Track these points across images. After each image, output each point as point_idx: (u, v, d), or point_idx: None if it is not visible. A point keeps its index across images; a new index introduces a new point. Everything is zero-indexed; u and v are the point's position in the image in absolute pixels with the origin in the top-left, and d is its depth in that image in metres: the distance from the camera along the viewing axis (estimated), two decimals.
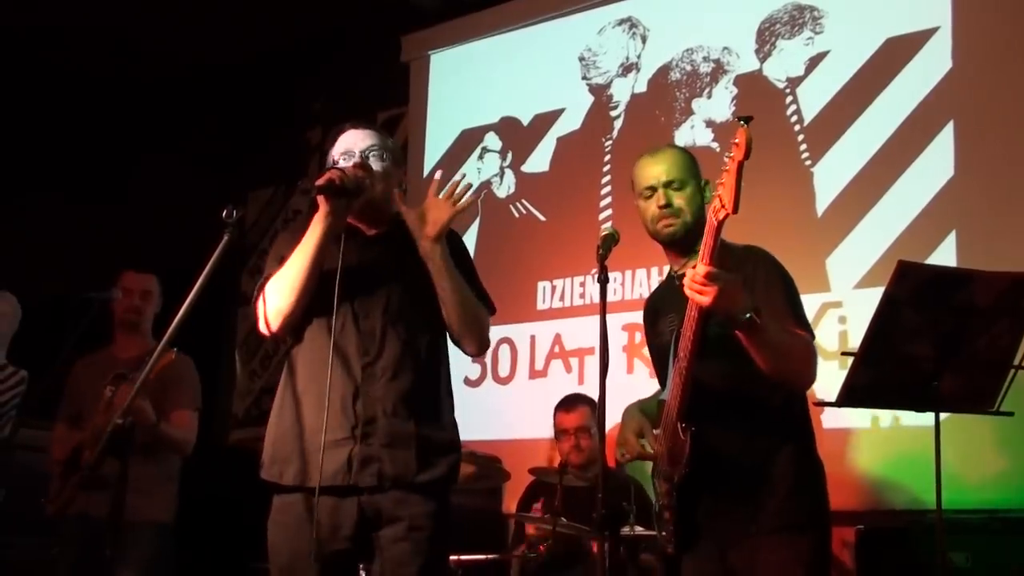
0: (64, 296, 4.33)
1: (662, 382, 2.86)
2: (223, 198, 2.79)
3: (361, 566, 2.75)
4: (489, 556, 4.04)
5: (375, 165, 2.74)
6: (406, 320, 2.69)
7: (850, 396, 2.51)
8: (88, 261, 5.20)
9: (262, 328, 2.71)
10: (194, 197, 5.96)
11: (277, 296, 2.68)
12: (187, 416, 4.03)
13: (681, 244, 2.76)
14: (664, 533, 2.77)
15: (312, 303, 2.67)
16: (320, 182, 2.60)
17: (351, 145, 2.78)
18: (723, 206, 2.33)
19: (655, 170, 2.77)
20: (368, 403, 2.62)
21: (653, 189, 2.76)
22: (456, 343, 2.79)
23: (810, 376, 2.56)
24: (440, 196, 2.68)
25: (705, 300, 2.41)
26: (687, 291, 2.44)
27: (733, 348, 2.52)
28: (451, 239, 2.86)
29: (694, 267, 2.45)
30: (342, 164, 2.74)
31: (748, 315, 2.44)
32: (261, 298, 2.71)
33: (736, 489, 2.62)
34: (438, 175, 2.75)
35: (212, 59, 6.22)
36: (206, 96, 6.48)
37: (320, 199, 2.61)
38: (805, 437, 2.69)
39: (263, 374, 6.17)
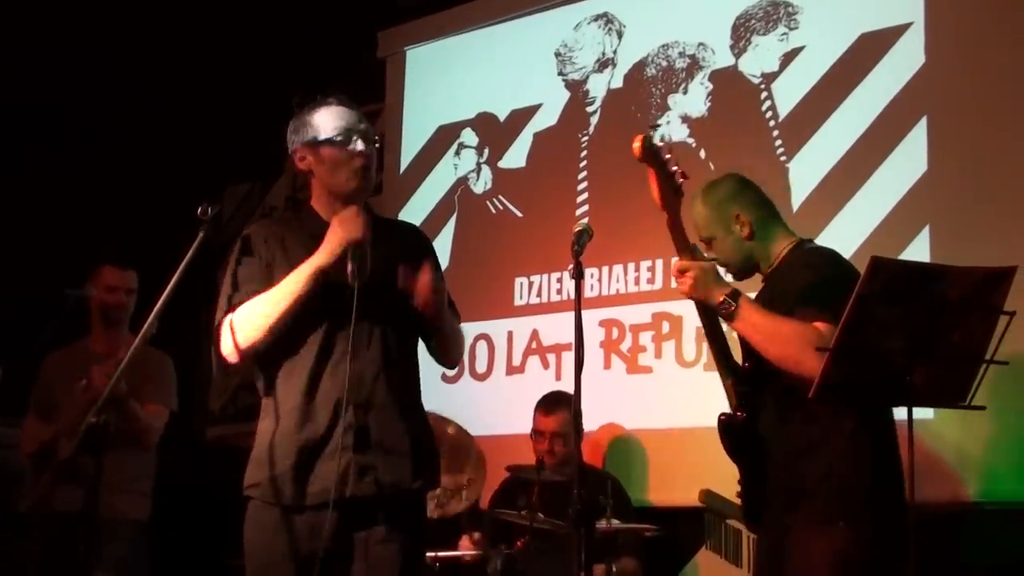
0: (38, 293, 4.32)
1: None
2: (199, 192, 2.77)
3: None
4: (466, 552, 4.05)
5: (368, 149, 2.69)
6: (390, 323, 2.66)
7: (823, 392, 2.52)
8: (62, 256, 5.16)
9: (227, 357, 2.64)
10: (170, 191, 5.94)
11: (254, 332, 2.59)
12: (157, 410, 4.03)
13: (746, 273, 2.95)
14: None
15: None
16: (352, 248, 2.56)
17: (349, 126, 2.68)
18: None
19: (697, 228, 2.94)
20: (357, 411, 2.58)
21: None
22: (438, 362, 2.84)
23: (812, 365, 2.54)
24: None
25: (683, 289, 2.64)
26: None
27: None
28: (424, 243, 2.88)
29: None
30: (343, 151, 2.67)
31: (721, 299, 2.63)
32: (228, 328, 2.62)
33: (777, 479, 2.74)
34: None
35: (190, 52, 6.18)
36: (183, 89, 6.45)
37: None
38: (856, 429, 2.71)
39: (240, 370, 6.15)
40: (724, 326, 2.81)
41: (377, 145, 2.76)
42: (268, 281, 2.65)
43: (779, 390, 2.73)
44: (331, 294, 2.59)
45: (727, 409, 2.83)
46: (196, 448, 5.99)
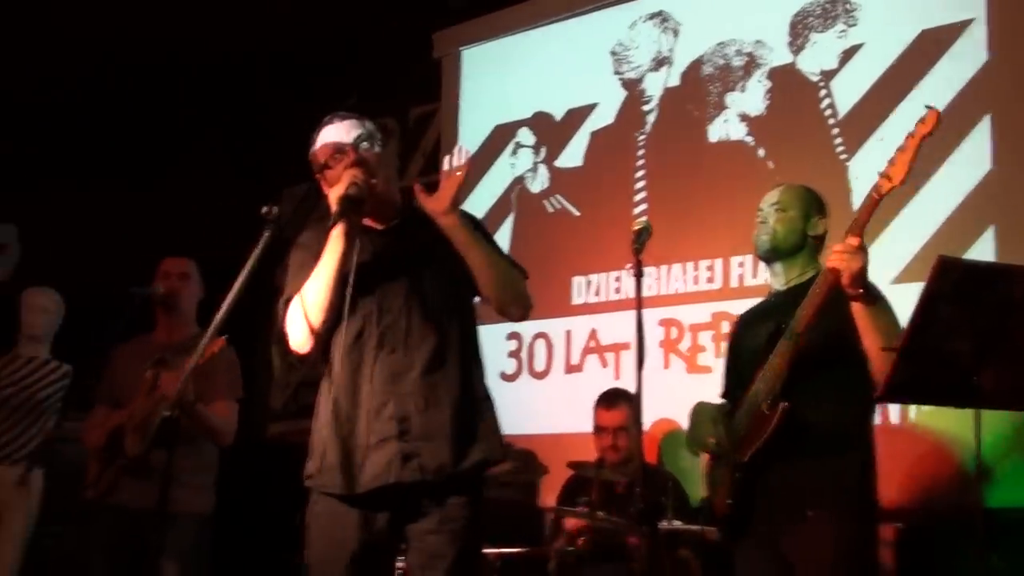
0: (105, 291, 4.40)
1: (734, 390, 3.02)
2: (259, 194, 2.83)
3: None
4: (526, 549, 4.07)
5: (368, 155, 2.72)
6: (430, 310, 2.69)
7: (891, 391, 2.53)
8: (129, 255, 5.25)
9: (295, 349, 2.71)
10: (231, 193, 6.03)
11: (305, 317, 2.66)
12: (227, 406, 4.04)
13: (766, 256, 3.02)
14: (710, 525, 2.90)
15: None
16: (340, 199, 2.58)
17: (338, 138, 2.74)
18: (890, 179, 2.63)
19: (770, 197, 3.03)
20: (399, 400, 2.63)
21: (761, 210, 3.03)
22: (500, 311, 2.77)
23: (881, 385, 2.62)
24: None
25: (856, 265, 2.63)
26: (833, 262, 2.66)
27: (838, 333, 2.73)
28: (467, 217, 2.85)
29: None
30: (335, 166, 2.70)
31: (870, 285, 2.69)
32: (288, 320, 2.71)
33: (809, 468, 2.75)
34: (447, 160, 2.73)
35: (250, 55, 6.26)
36: (243, 92, 6.54)
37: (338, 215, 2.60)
38: (871, 429, 2.88)
39: (300, 367, 6.22)
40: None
41: (378, 148, 2.77)
42: None
43: (811, 382, 2.77)
44: (368, 288, 2.66)
45: None
46: (257, 444, 6.07)
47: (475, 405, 2.73)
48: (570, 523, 4.03)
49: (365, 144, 2.74)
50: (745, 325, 3.11)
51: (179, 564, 3.85)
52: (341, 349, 2.69)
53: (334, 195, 2.63)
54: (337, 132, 2.76)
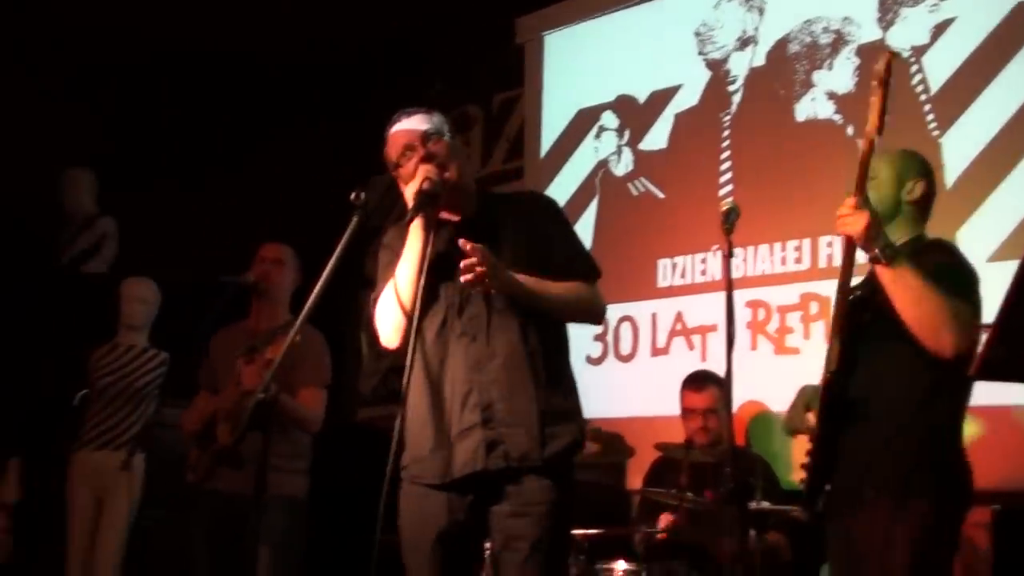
0: (201, 280, 4.50)
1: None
2: (346, 183, 2.88)
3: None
4: (614, 530, 4.08)
5: (438, 148, 2.75)
6: (510, 300, 2.70)
7: (985, 369, 2.46)
8: (225, 244, 5.37)
9: (384, 344, 2.80)
10: (319, 181, 6.13)
11: (392, 314, 2.74)
12: (314, 393, 4.07)
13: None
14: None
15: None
16: (415, 196, 2.63)
17: (408, 138, 2.77)
18: (867, 132, 2.64)
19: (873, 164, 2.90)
20: (483, 388, 2.66)
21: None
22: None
23: (946, 340, 2.57)
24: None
25: (849, 228, 2.62)
26: (839, 227, 2.63)
27: (889, 311, 2.63)
28: (543, 206, 2.90)
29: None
30: (407, 163, 2.74)
31: (883, 247, 2.61)
32: (376, 316, 2.79)
33: (868, 446, 2.68)
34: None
35: (337, 42, 6.34)
36: (330, 80, 6.63)
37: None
38: (949, 407, 2.72)
39: (388, 354, 6.29)
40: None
41: (447, 137, 2.79)
42: None
43: (886, 360, 2.70)
44: (449, 278, 2.68)
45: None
46: (348, 429, 6.16)
47: (558, 390, 2.75)
48: (663, 518, 4.02)
49: (434, 137, 2.76)
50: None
51: (274, 548, 3.91)
52: (426, 340, 2.73)
53: (409, 192, 2.68)
54: (406, 129, 2.79)
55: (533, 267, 2.72)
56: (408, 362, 2.69)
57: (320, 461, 4.35)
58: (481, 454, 2.63)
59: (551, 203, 2.95)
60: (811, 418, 2.87)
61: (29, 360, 5.52)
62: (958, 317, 2.58)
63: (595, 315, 2.89)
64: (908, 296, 2.61)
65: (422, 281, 2.62)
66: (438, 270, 2.67)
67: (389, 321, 2.76)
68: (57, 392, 5.15)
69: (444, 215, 2.76)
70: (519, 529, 2.62)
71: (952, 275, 2.69)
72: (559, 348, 2.81)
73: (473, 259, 2.56)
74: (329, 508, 4.61)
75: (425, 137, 2.76)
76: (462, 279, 2.59)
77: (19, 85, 6.14)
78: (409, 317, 2.68)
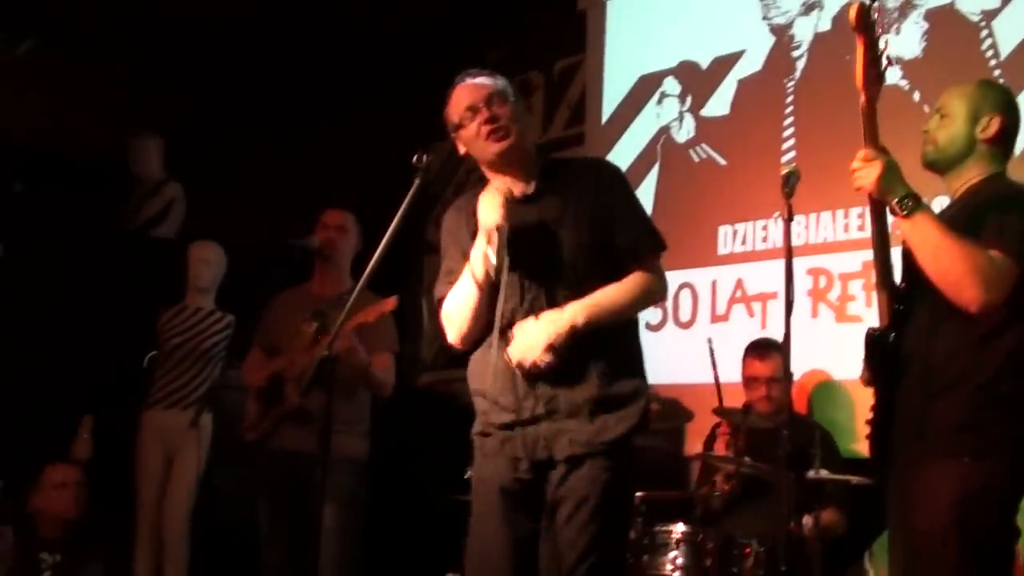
0: (266, 244, 4.58)
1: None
2: (407, 149, 2.91)
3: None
4: (672, 494, 4.11)
5: (502, 111, 2.73)
6: (577, 278, 2.70)
7: None
8: (287, 209, 5.44)
9: (451, 343, 2.86)
10: (381, 147, 6.17)
11: (458, 322, 2.78)
12: (387, 358, 4.16)
13: (935, 168, 2.78)
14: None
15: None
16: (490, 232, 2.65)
17: (471, 99, 2.75)
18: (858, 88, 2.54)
19: (941, 98, 2.79)
20: (549, 377, 2.66)
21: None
22: None
23: (968, 294, 2.46)
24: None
25: (862, 181, 2.55)
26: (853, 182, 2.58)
27: None
28: (607, 175, 2.87)
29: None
30: (469, 125, 2.74)
31: (899, 198, 2.51)
32: (442, 320, 2.84)
33: (917, 403, 2.60)
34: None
35: (397, 8, 6.37)
36: (387, 48, 6.66)
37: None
38: (999, 361, 2.56)
39: None
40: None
41: (511, 100, 2.78)
42: (463, 264, 2.80)
43: (934, 312, 2.59)
44: (514, 260, 2.70)
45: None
46: (409, 393, 6.24)
47: (623, 372, 2.74)
48: (720, 477, 4.04)
49: (498, 99, 2.75)
50: None
51: (337, 507, 4.00)
52: (495, 322, 2.73)
53: (485, 220, 2.66)
54: (469, 90, 2.78)
55: (589, 246, 2.71)
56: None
57: (381, 424, 4.43)
58: (542, 445, 2.68)
59: (615, 172, 2.92)
60: None
61: (101, 321, 5.67)
62: (983, 269, 2.45)
63: (659, 299, 2.91)
64: (927, 249, 2.52)
65: (502, 297, 2.67)
66: (510, 246, 2.68)
67: (456, 328, 2.80)
68: (127, 353, 5.28)
69: (512, 185, 2.76)
70: (581, 490, 2.65)
71: (1001, 223, 2.52)
72: (625, 327, 2.81)
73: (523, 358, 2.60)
74: (389, 469, 4.69)
75: (489, 98, 2.75)
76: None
77: (91, 51, 6.26)
78: (471, 331, 2.76)
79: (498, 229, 2.64)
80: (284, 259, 4.18)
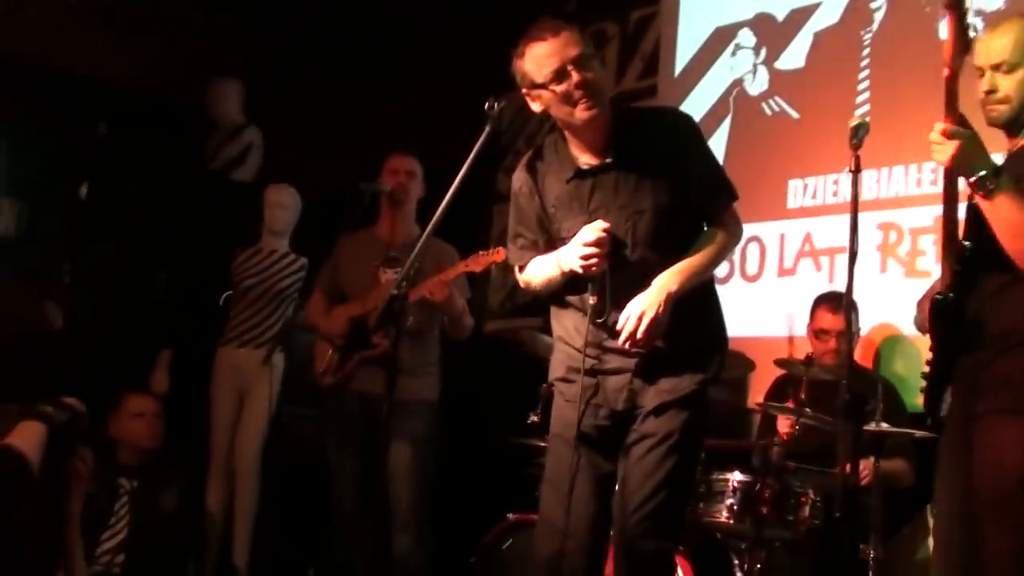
0: (338, 188, 4.66)
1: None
2: (476, 98, 2.93)
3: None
4: (732, 442, 4.14)
5: (592, 76, 2.70)
6: (653, 247, 2.73)
7: None
8: (357, 154, 5.52)
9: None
10: (456, 98, 6.21)
11: (540, 293, 2.94)
12: (464, 303, 4.26)
13: (1009, 127, 2.71)
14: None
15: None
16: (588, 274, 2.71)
17: (560, 61, 2.67)
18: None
19: (988, 48, 2.67)
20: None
21: (982, 71, 2.68)
22: None
23: None
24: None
25: (941, 157, 2.48)
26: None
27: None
28: (682, 127, 2.88)
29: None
30: (556, 88, 2.71)
31: (982, 173, 2.45)
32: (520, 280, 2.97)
33: (976, 365, 2.62)
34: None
35: None
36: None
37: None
38: None
39: None
40: None
41: (600, 68, 2.79)
42: (535, 230, 2.90)
43: (997, 276, 2.60)
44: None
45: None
46: (476, 339, 6.32)
47: (705, 325, 2.85)
48: (781, 423, 4.06)
49: (588, 62, 2.70)
50: None
51: (411, 448, 4.11)
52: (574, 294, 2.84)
53: (571, 265, 2.71)
54: (557, 50, 2.69)
55: (670, 207, 2.74)
56: None
57: (450, 369, 4.51)
58: (623, 398, 2.77)
59: (689, 125, 2.91)
60: None
61: (180, 260, 5.83)
62: None
63: (736, 246, 3.03)
64: (1006, 228, 2.49)
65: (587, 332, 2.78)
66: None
67: (535, 293, 2.95)
68: (205, 291, 5.43)
69: (585, 155, 2.80)
70: (655, 426, 2.72)
71: None
72: (709, 283, 2.90)
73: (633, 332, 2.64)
74: (456, 412, 4.78)
75: (579, 61, 2.69)
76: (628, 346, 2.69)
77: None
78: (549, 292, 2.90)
79: (603, 274, 2.71)
80: (356, 203, 4.24)
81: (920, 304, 2.96)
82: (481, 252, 3.93)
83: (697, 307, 2.81)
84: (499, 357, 5.75)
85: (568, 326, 2.88)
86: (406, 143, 4.69)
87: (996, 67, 2.65)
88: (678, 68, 5.73)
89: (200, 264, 5.65)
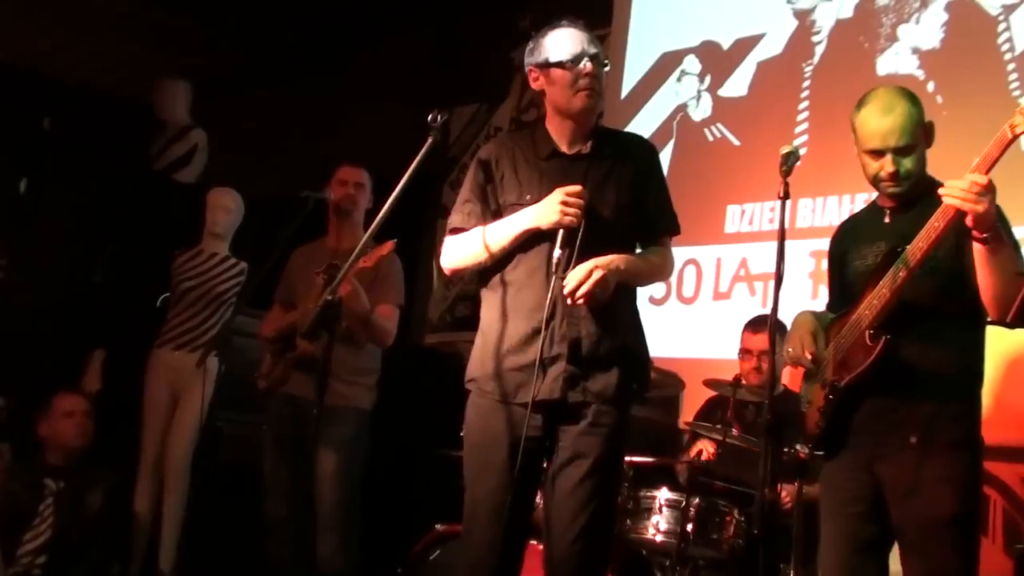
0: (281, 194, 4.66)
1: (839, 302, 2.95)
2: (428, 107, 2.97)
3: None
4: (659, 460, 4.19)
5: (600, 72, 2.85)
6: (609, 236, 2.81)
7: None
8: (303, 161, 5.52)
9: (444, 268, 3.02)
10: (404, 109, 6.24)
11: (460, 259, 2.93)
12: (391, 310, 4.23)
13: (907, 199, 2.84)
14: (802, 444, 3.01)
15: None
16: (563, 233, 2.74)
17: (579, 47, 2.83)
18: None
19: (884, 131, 2.78)
20: (572, 322, 2.79)
21: (881, 153, 2.80)
22: None
23: (1014, 312, 2.60)
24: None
25: (982, 207, 2.47)
26: (956, 199, 2.49)
27: (949, 269, 2.67)
28: (648, 153, 3.02)
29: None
30: (571, 70, 2.82)
31: (997, 227, 2.54)
32: (446, 247, 2.95)
33: (907, 400, 2.72)
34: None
35: None
36: (415, 14, 6.71)
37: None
38: (981, 369, 2.81)
39: (458, 282, 6.45)
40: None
41: (606, 68, 2.92)
42: (485, 202, 2.93)
43: (928, 319, 2.72)
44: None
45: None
46: (416, 351, 6.33)
47: (636, 332, 2.92)
48: (697, 446, 4.13)
49: (600, 60, 2.85)
50: (854, 238, 3.00)
51: (338, 454, 4.10)
52: (522, 269, 2.87)
53: (558, 221, 2.74)
54: (577, 38, 2.85)
55: (626, 208, 2.86)
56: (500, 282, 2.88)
57: (388, 379, 4.51)
58: (561, 385, 2.77)
59: (655, 151, 3.10)
60: (807, 355, 2.91)
61: (118, 259, 5.78)
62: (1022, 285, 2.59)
63: (666, 278, 3.15)
64: (1003, 278, 2.58)
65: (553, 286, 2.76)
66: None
67: (460, 261, 2.93)
68: (142, 292, 5.38)
69: (561, 144, 2.90)
70: (584, 447, 2.77)
71: (1011, 233, 2.69)
72: (633, 293, 2.96)
73: (584, 282, 2.69)
74: (394, 422, 4.77)
75: (596, 59, 2.84)
76: (568, 300, 2.72)
77: None
78: (470, 271, 2.94)
79: (576, 228, 2.74)
80: (298, 210, 4.24)
81: (790, 340, 3.04)
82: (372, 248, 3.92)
83: (629, 315, 2.92)
84: (437, 369, 5.78)
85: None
86: (353, 152, 4.70)
87: (898, 151, 2.78)
88: (625, 91, 5.81)
89: (139, 264, 5.60)
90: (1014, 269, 2.59)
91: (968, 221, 2.52)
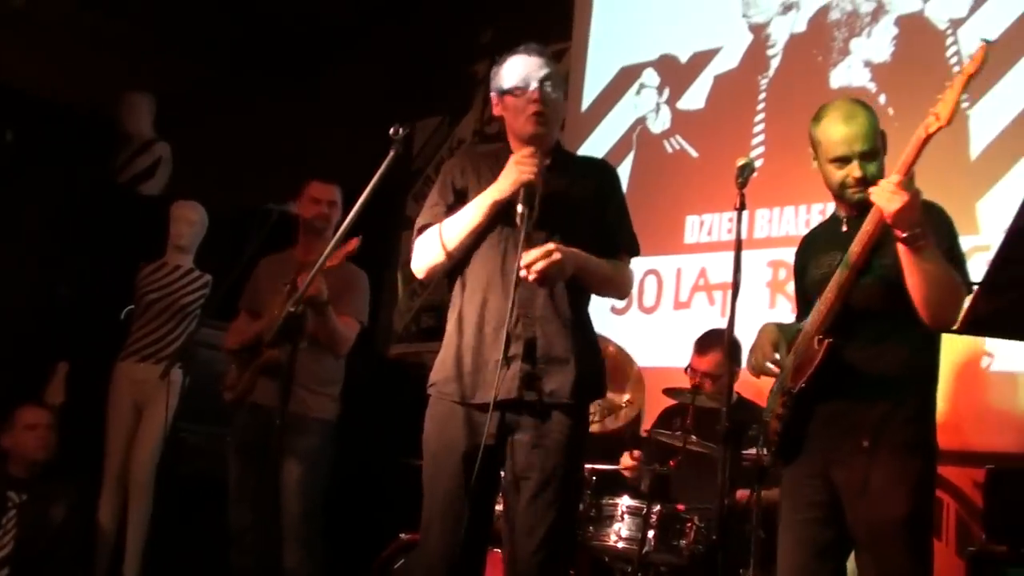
0: (245, 207, 4.67)
1: (804, 313, 3.01)
2: (393, 122, 3.02)
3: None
4: (618, 467, 4.25)
5: (553, 94, 2.91)
6: (576, 242, 2.86)
7: (973, 325, 2.55)
8: (267, 174, 5.54)
9: (416, 274, 3.02)
10: (368, 122, 6.28)
11: (428, 257, 2.95)
12: (351, 323, 4.24)
13: (865, 204, 2.84)
14: (765, 449, 3.00)
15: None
16: (523, 192, 2.79)
17: (527, 74, 2.89)
18: (937, 117, 2.51)
19: (850, 137, 2.82)
20: (528, 323, 2.84)
21: (847, 160, 2.83)
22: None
23: (952, 317, 2.63)
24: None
25: (895, 205, 2.53)
26: (874, 198, 2.57)
27: (895, 272, 2.67)
28: (609, 175, 3.10)
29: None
30: (519, 96, 2.89)
31: (919, 229, 2.57)
32: (416, 248, 2.98)
33: (859, 404, 2.77)
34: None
35: None
36: (377, 21, 6.76)
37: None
38: (935, 372, 2.86)
39: (422, 293, 6.50)
40: None
41: (557, 95, 2.95)
42: (453, 206, 2.97)
43: (873, 322, 2.77)
44: (507, 218, 2.87)
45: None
46: (380, 362, 6.37)
47: (590, 337, 2.97)
48: (624, 458, 4.22)
49: (549, 83, 2.90)
50: (814, 249, 3.06)
51: (302, 465, 4.11)
52: (475, 269, 2.92)
53: (516, 179, 2.81)
54: (528, 64, 2.92)
55: (586, 221, 2.92)
56: (462, 287, 2.91)
57: (353, 390, 4.53)
58: (518, 384, 2.81)
59: (616, 175, 3.15)
60: (768, 364, 2.95)
61: (82, 271, 5.77)
62: (961, 295, 2.65)
63: (624, 294, 3.15)
64: (929, 278, 2.62)
65: (520, 253, 2.78)
66: (508, 209, 2.85)
67: (429, 259, 2.96)
68: (106, 304, 5.38)
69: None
70: (537, 459, 2.80)
71: (954, 251, 2.74)
72: (587, 299, 3.01)
73: (539, 259, 2.73)
74: (359, 432, 4.79)
75: (545, 79, 2.89)
76: (526, 276, 2.75)
77: (88, 9, 6.34)
78: (457, 256, 2.93)
79: (535, 184, 2.80)
80: (263, 223, 4.26)
81: (752, 350, 3.09)
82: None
83: (587, 320, 2.98)
84: (402, 380, 5.81)
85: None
86: (317, 165, 4.72)
87: (864, 156, 2.82)
88: (585, 104, 5.89)
89: (103, 276, 5.60)
90: (941, 272, 2.63)
91: (888, 219, 2.58)
